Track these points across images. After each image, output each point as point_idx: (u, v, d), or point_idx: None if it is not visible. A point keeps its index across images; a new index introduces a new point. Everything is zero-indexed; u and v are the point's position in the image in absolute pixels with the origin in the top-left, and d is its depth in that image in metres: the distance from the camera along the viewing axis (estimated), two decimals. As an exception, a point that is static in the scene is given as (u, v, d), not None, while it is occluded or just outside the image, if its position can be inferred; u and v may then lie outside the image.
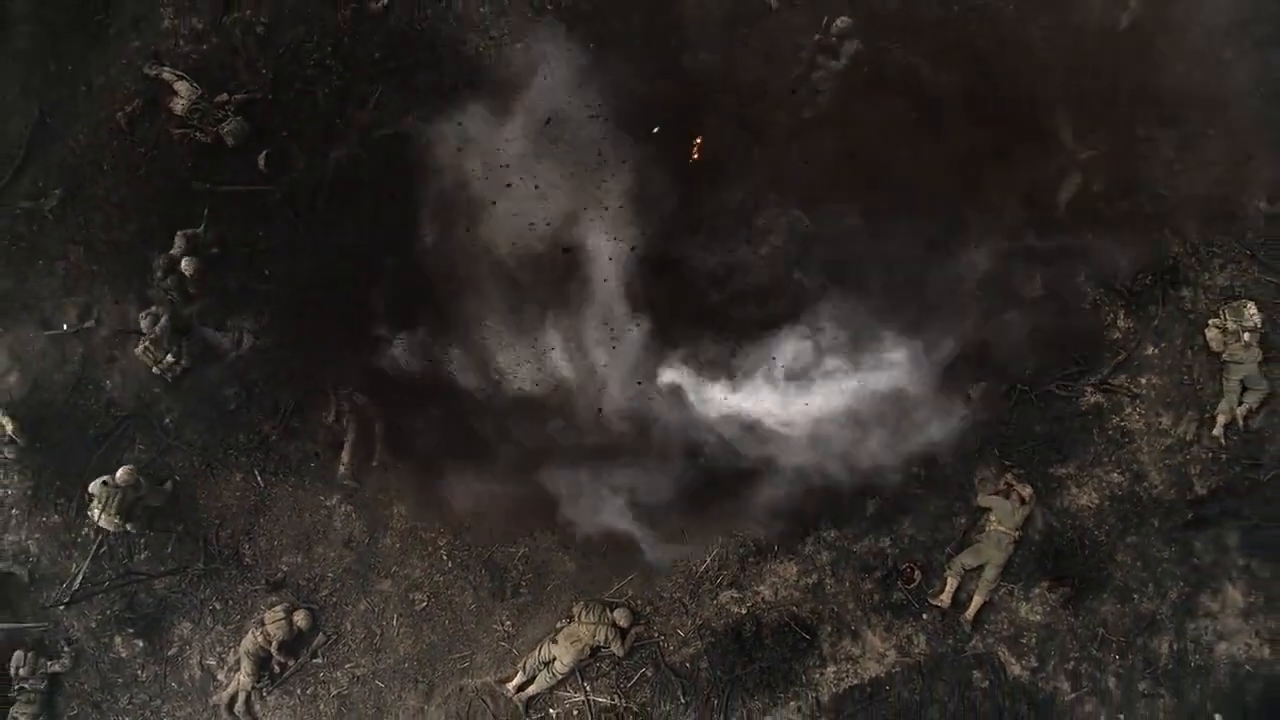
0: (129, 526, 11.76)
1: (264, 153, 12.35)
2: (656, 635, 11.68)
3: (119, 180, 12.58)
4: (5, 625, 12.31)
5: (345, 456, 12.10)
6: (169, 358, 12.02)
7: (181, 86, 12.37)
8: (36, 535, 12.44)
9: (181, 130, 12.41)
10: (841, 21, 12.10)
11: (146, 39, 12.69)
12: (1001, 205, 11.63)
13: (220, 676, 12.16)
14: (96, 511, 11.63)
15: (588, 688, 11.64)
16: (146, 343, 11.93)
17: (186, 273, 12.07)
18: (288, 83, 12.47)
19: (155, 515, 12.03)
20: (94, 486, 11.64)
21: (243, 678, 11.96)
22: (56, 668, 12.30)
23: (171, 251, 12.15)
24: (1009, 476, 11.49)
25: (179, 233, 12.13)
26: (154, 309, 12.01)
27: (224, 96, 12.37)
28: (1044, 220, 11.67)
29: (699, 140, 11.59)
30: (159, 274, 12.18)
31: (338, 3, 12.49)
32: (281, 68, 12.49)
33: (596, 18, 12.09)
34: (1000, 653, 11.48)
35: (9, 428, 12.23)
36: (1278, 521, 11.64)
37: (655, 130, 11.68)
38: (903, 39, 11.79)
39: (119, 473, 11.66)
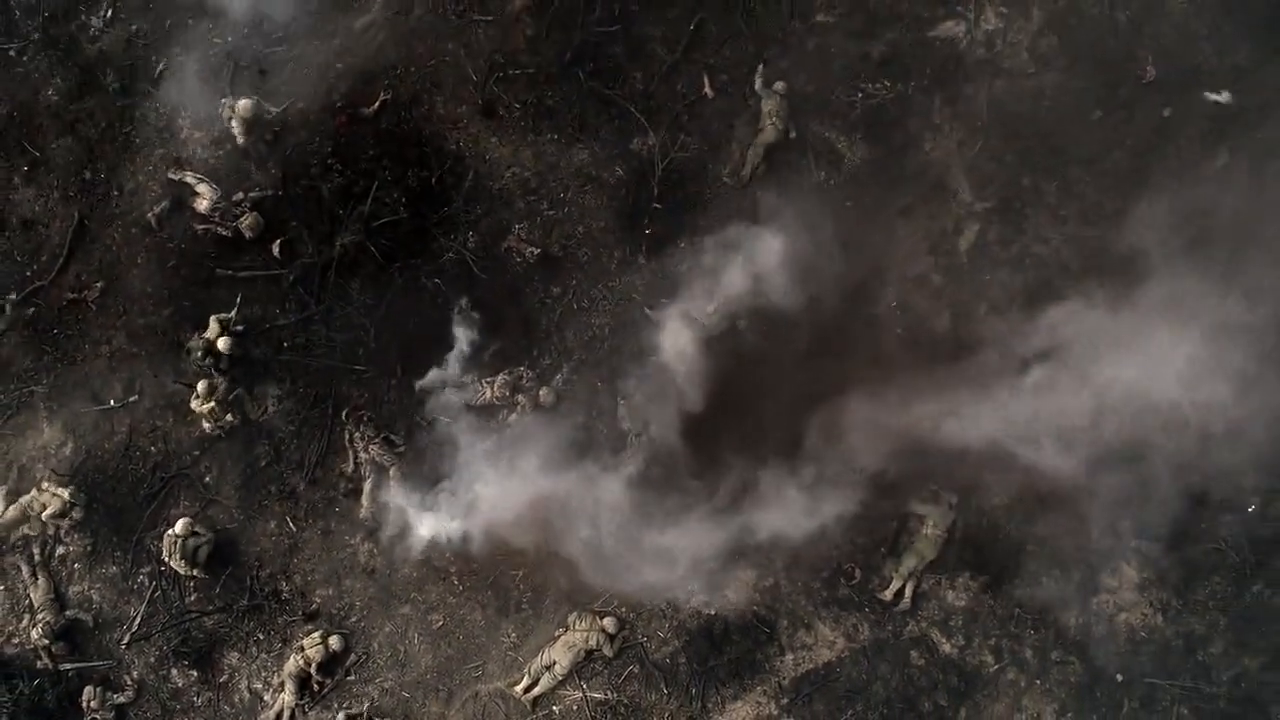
0: (195, 570, 13.63)
1: (278, 242, 14.04)
2: (640, 638, 13.50)
3: (152, 271, 14.28)
4: (76, 664, 13.98)
5: (364, 500, 13.87)
6: (229, 417, 13.84)
7: (203, 188, 14.07)
8: (98, 585, 14.16)
9: (204, 226, 14.07)
10: (780, 85, 14.04)
11: (169, 147, 14.39)
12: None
13: (267, 697, 13.84)
14: (169, 557, 13.57)
15: (584, 686, 13.46)
16: (213, 404, 13.66)
17: (224, 351, 13.75)
18: (295, 180, 14.17)
19: (211, 558, 13.81)
20: (165, 539, 13.61)
21: (286, 697, 13.67)
22: (122, 699, 13.88)
23: (206, 333, 13.89)
24: (933, 486, 13.52)
25: (213, 317, 13.89)
26: (215, 379, 13.70)
27: (240, 195, 14.06)
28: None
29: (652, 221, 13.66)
30: (198, 353, 13.83)
31: (334, 109, 14.25)
32: (289, 168, 14.22)
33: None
34: (933, 635, 13.44)
35: (65, 495, 13.97)
36: (1162, 510, 13.69)
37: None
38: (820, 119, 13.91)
39: (177, 525, 13.53)
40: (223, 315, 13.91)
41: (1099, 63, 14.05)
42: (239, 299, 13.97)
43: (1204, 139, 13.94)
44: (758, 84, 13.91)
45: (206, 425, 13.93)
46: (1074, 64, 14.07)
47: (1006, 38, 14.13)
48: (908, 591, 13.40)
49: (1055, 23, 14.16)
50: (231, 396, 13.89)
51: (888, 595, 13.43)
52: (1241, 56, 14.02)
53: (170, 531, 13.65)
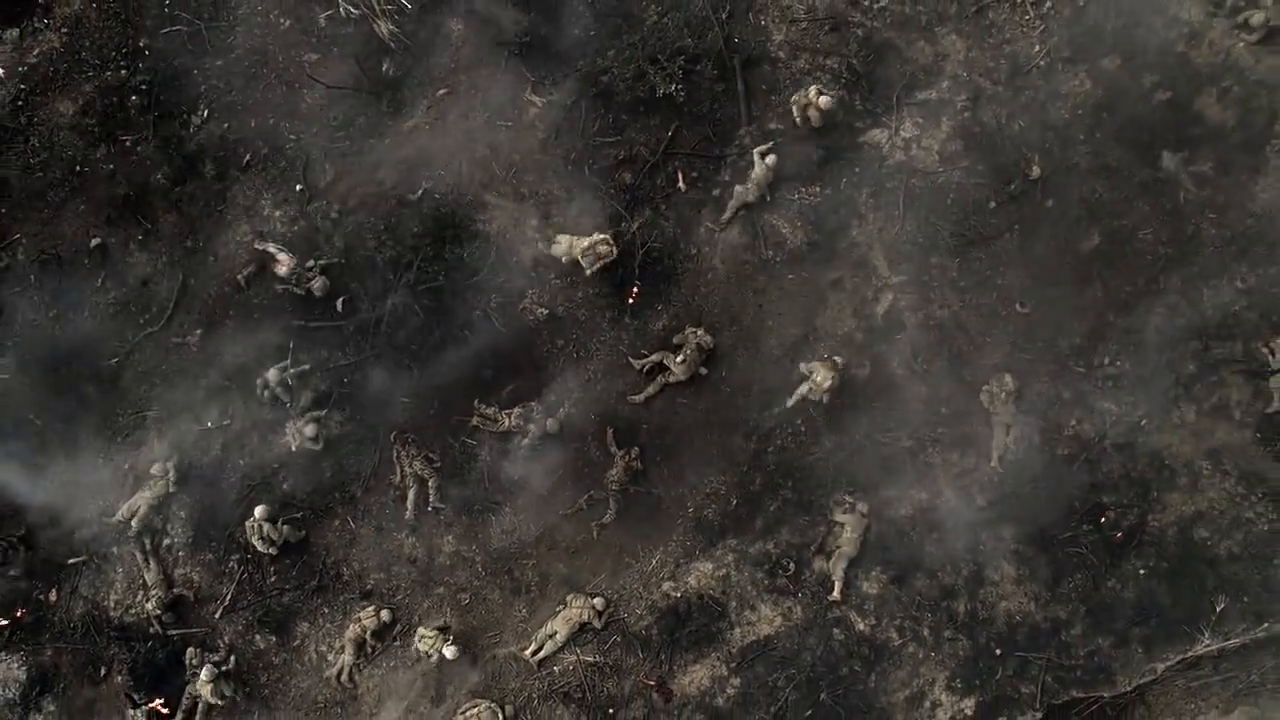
0: (272, 549, 16.88)
1: (341, 299, 17.43)
2: (622, 614, 16.80)
3: (241, 321, 17.71)
4: (180, 631, 17.41)
5: (409, 505, 17.32)
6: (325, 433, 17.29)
7: (282, 255, 17.35)
8: (198, 568, 17.67)
9: (282, 286, 17.42)
10: (771, 160, 17.22)
11: (254, 222, 17.83)
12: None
13: (330, 658, 17.16)
14: (251, 537, 16.83)
15: (578, 651, 16.74)
16: (322, 430, 17.12)
17: (273, 381, 17.15)
18: (355, 251, 17.52)
19: (293, 543, 17.19)
20: (247, 524, 16.88)
21: (346, 658, 16.88)
22: (216, 659, 17.15)
23: (267, 374, 17.22)
24: (849, 498, 17.10)
25: (273, 367, 17.18)
26: (315, 412, 17.19)
27: (311, 262, 17.35)
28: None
29: (635, 288, 17.25)
30: (265, 392, 17.34)
31: (384, 194, 17.77)
32: (350, 240, 17.60)
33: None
34: (850, 616, 16.83)
35: (170, 470, 17.42)
36: (1036, 521, 17.13)
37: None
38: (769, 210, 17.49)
39: (256, 510, 16.79)
40: (282, 363, 17.25)
41: (994, 163, 17.26)
42: (291, 346, 17.25)
43: (1078, 223, 17.43)
44: (757, 150, 17.06)
45: (315, 447, 17.24)
46: (974, 164, 17.29)
47: (920, 143, 17.48)
48: (840, 585, 16.89)
49: (960, 130, 17.49)
50: (320, 416, 17.37)
51: (836, 595, 16.58)
52: (1110, 158, 17.50)
53: (252, 518, 16.85)
